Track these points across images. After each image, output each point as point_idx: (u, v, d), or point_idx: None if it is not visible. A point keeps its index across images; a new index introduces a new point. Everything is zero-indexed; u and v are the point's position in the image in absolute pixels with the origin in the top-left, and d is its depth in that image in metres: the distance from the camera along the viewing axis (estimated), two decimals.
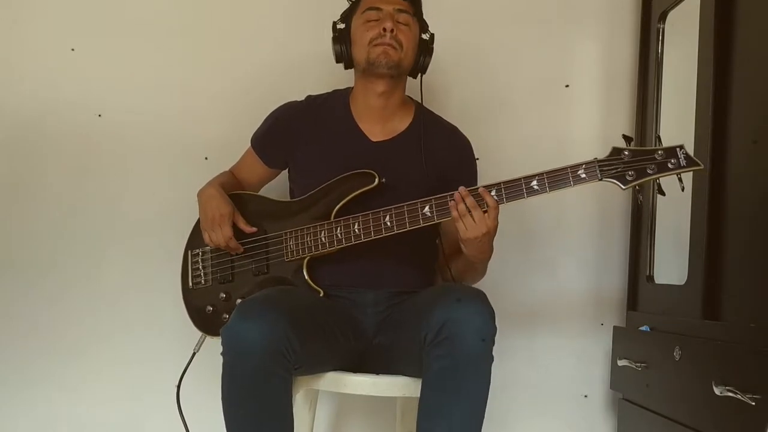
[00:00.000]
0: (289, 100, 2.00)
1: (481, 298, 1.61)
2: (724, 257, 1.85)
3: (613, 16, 2.41)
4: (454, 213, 1.69)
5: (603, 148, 2.35)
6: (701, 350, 1.75)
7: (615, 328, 2.29)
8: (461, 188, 1.69)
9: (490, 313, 1.59)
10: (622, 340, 2.22)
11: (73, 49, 2.34)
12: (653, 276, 2.24)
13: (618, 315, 2.38)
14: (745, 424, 1.52)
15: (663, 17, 2.26)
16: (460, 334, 1.56)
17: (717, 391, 1.57)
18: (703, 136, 1.91)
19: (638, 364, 2.04)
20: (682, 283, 2.00)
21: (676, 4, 2.19)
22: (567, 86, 2.39)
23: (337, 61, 1.92)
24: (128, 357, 2.33)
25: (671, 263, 2.15)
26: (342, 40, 1.90)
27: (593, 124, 2.41)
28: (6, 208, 2.34)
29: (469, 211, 1.68)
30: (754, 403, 1.49)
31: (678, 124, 2.17)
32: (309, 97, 2.00)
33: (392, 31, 1.83)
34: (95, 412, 2.32)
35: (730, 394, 1.54)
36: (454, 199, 1.69)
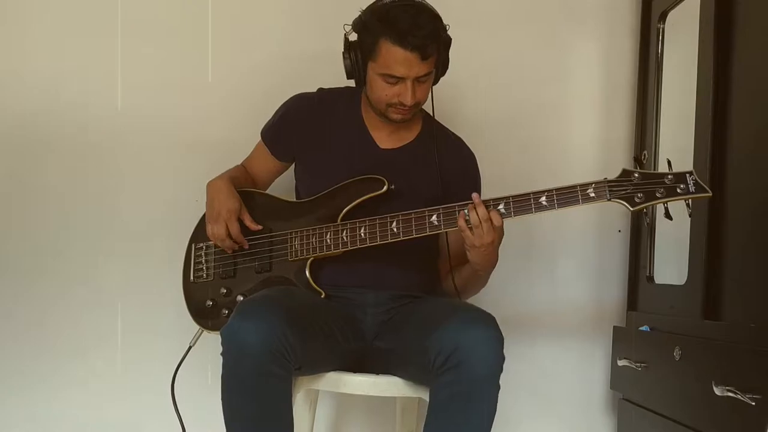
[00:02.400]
0: (300, 92, 1.98)
1: (492, 324, 1.60)
2: (724, 257, 1.85)
3: (613, 16, 2.42)
4: (462, 223, 1.70)
5: (603, 149, 2.39)
6: (701, 350, 1.75)
7: (615, 328, 2.29)
8: (474, 197, 1.70)
9: (501, 341, 1.59)
10: (622, 340, 2.22)
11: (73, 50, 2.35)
12: (653, 276, 2.24)
13: (618, 315, 2.38)
14: (745, 424, 1.52)
15: (663, 17, 2.26)
16: (470, 362, 1.55)
17: (717, 391, 1.57)
18: (703, 136, 1.91)
19: (638, 364, 2.04)
20: (682, 283, 2.00)
21: (676, 4, 2.19)
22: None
23: (348, 78, 1.87)
24: (127, 356, 2.33)
25: (671, 263, 2.16)
26: (353, 65, 1.81)
27: (593, 125, 2.41)
28: (6, 208, 2.34)
29: (481, 223, 1.68)
30: (754, 403, 1.49)
31: (678, 124, 2.17)
32: (321, 90, 1.99)
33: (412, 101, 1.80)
34: (95, 411, 2.32)
35: (730, 394, 1.54)
36: (465, 209, 1.70)
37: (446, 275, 1.94)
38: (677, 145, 2.11)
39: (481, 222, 1.68)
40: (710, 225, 1.87)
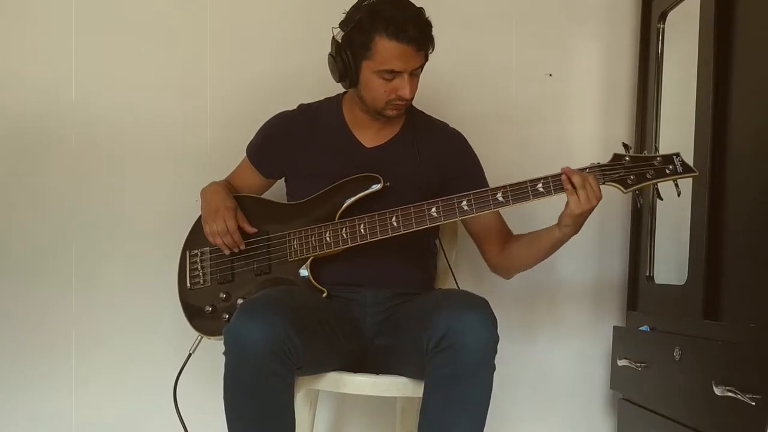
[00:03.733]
0: (281, 111, 2.00)
1: (483, 306, 1.61)
2: (724, 257, 1.85)
3: (613, 16, 2.42)
4: (568, 186, 1.71)
5: (603, 148, 2.39)
6: (701, 350, 1.75)
7: (615, 328, 2.29)
8: (566, 169, 1.72)
9: (493, 322, 1.60)
10: (622, 340, 2.22)
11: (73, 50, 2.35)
12: (653, 276, 2.24)
13: (618, 315, 2.38)
14: (745, 424, 1.52)
15: (663, 17, 2.26)
16: (462, 343, 1.56)
17: (717, 391, 1.57)
18: (704, 135, 1.91)
19: (638, 364, 2.04)
20: (682, 283, 2.00)
21: (676, 4, 2.19)
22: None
23: (338, 81, 1.87)
24: (127, 358, 2.33)
25: (671, 263, 2.16)
26: (346, 67, 1.81)
27: (593, 124, 2.41)
28: (6, 208, 2.34)
29: (582, 186, 1.70)
30: (754, 403, 1.49)
31: (678, 124, 2.17)
32: (301, 105, 2.00)
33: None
34: (94, 412, 2.32)
35: (730, 394, 1.54)
36: (565, 174, 1.72)
37: (506, 246, 1.94)
38: (677, 145, 2.10)
39: (585, 184, 1.70)
40: (710, 225, 1.88)
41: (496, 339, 1.60)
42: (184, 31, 2.36)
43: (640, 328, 2.12)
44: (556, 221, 1.77)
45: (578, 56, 2.43)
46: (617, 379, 2.24)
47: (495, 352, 1.60)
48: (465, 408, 1.59)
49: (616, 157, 1.73)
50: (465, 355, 1.56)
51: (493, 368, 1.60)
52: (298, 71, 2.32)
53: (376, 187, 1.84)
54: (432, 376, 1.60)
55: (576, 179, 1.70)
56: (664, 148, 2.20)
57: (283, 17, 2.37)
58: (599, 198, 1.71)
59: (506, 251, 1.93)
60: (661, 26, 2.27)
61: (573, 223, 1.75)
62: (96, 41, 2.35)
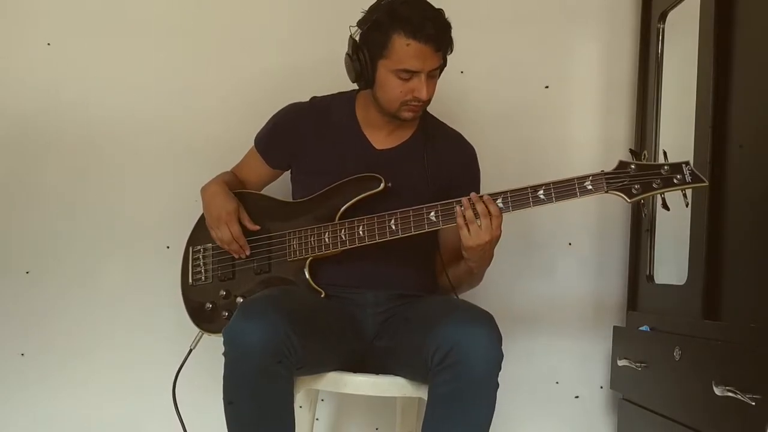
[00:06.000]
0: (294, 102, 1.99)
1: (489, 322, 1.60)
2: (724, 257, 1.85)
3: (613, 16, 2.42)
4: (460, 220, 1.69)
5: (603, 148, 2.39)
6: (701, 350, 1.75)
7: (615, 328, 2.29)
8: (472, 194, 1.70)
9: (498, 339, 1.59)
10: (622, 340, 2.22)
11: (72, 50, 2.35)
12: (653, 276, 2.24)
13: (618, 315, 2.39)
14: (745, 424, 1.52)
15: (663, 17, 2.26)
16: (467, 361, 1.55)
17: (717, 391, 1.57)
18: (703, 136, 1.91)
19: (638, 364, 2.04)
20: (682, 283, 2.00)
21: (676, 4, 2.19)
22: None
23: (354, 81, 1.85)
24: (127, 357, 2.33)
25: (671, 263, 2.16)
26: (362, 66, 1.79)
27: (593, 125, 2.41)
28: (6, 208, 2.34)
29: (476, 219, 1.68)
30: (754, 403, 1.49)
31: (678, 124, 2.17)
32: (314, 98, 1.99)
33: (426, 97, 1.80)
34: (94, 411, 2.32)
35: (730, 394, 1.54)
36: (461, 206, 1.70)
37: (441, 270, 1.94)
38: (677, 145, 2.11)
39: (476, 218, 1.68)
40: (710, 225, 1.87)
41: (501, 357, 1.59)
42: (185, 30, 2.37)
43: (640, 328, 2.12)
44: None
45: (578, 56, 2.43)
46: (617, 379, 2.24)
47: (499, 369, 1.59)
48: (468, 424, 1.58)
49: (622, 165, 1.68)
50: (469, 373, 1.56)
51: (497, 386, 1.60)
52: (299, 70, 2.33)
53: (377, 188, 1.83)
54: (435, 391, 1.60)
55: (468, 215, 1.68)
56: (664, 147, 2.20)
57: (284, 16, 2.38)
58: (492, 235, 1.68)
59: (448, 265, 1.91)
60: (661, 26, 2.27)
61: (469, 254, 1.73)
62: (96, 41, 2.35)
